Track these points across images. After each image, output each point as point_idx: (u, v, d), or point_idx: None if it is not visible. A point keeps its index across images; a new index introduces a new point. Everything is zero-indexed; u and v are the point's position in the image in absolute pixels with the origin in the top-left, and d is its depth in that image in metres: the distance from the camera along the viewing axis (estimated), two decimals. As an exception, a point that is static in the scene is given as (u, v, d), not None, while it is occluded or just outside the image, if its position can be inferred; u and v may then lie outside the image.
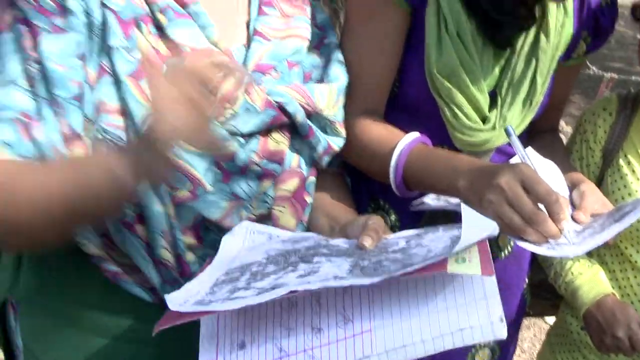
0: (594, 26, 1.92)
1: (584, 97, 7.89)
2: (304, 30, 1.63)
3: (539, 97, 1.83)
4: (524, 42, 1.78)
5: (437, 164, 1.62)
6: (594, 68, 4.90)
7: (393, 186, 1.69)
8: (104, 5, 1.33)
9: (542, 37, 1.78)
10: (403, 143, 1.67)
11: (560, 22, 1.81)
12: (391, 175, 1.67)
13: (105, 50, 1.32)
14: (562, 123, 7.52)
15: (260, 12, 1.56)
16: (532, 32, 1.79)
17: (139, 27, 1.36)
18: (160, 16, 1.38)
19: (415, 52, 1.74)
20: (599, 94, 4.61)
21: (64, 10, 1.30)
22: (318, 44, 1.67)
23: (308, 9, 1.67)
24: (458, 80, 1.70)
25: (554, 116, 2.12)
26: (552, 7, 1.78)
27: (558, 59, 1.86)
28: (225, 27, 1.49)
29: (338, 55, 1.69)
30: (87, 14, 1.32)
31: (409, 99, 1.81)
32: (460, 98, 1.71)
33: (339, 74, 1.65)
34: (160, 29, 1.38)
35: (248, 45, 1.53)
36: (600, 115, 2.11)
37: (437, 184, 1.61)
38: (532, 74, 1.79)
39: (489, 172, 1.45)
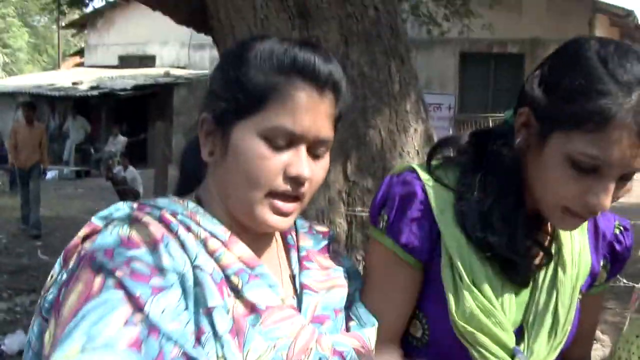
0: (611, 254, 2.03)
1: (620, 302, 8.09)
2: (343, 279, 1.85)
3: (565, 327, 1.89)
4: (545, 277, 1.88)
5: None
6: (623, 280, 5.12)
7: None
8: (196, 267, 1.50)
9: (560, 271, 1.88)
10: None
11: (577, 255, 1.91)
12: None
13: (204, 312, 1.46)
14: (598, 333, 7.78)
15: (302, 266, 1.78)
16: (551, 267, 1.89)
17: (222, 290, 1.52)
18: (235, 279, 1.55)
19: (439, 301, 1.84)
20: (630, 303, 4.81)
21: (161, 270, 1.44)
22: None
23: (340, 259, 1.92)
24: (479, 324, 1.78)
25: (585, 346, 2.20)
26: (565, 241, 1.90)
27: (581, 289, 1.95)
28: (277, 282, 1.65)
29: (358, 298, 1.90)
30: (179, 273, 1.47)
31: (440, 346, 1.89)
32: (483, 339, 1.78)
33: (368, 316, 1.83)
34: (235, 290, 1.55)
35: (298, 297, 1.73)
36: (634, 342, 2.13)
37: None
38: (554, 306, 1.86)
39: None
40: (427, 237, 1.83)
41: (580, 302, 1.96)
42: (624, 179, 1.67)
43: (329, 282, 1.79)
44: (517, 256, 1.79)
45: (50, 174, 20.08)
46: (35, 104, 18.03)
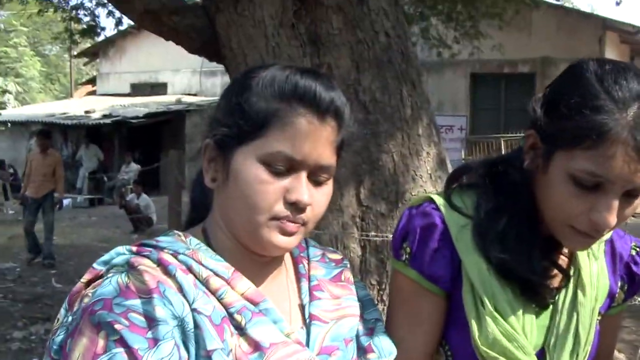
0: (629, 275, 2.04)
1: (636, 320, 8.13)
2: (354, 308, 1.81)
3: (586, 349, 1.89)
4: (565, 299, 1.88)
5: None
6: (639, 299, 5.15)
7: None
8: (194, 310, 1.49)
9: (579, 292, 1.88)
10: None
11: (595, 276, 1.92)
12: None
13: (204, 354, 1.46)
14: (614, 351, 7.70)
15: (312, 297, 1.76)
16: (571, 289, 1.89)
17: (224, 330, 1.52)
18: (238, 317, 1.54)
19: (462, 328, 1.85)
20: None
21: (155, 321, 1.42)
22: (360, 317, 1.83)
23: (353, 287, 1.87)
24: (502, 349, 1.78)
25: None
26: (584, 263, 1.91)
27: (600, 310, 1.95)
28: (283, 312, 1.65)
29: (381, 328, 1.87)
30: (177, 318, 1.46)
31: None
32: None
33: (390, 347, 1.82)
34: (239, 328, 1.54)
35: (306, 328, 1.71)
36: None
37: None
38: (575, 328, 1.87)
39: None
40: (449, 266, 1.85)
41: (599, 323, 1.97)
42: (630, 196, 1.67)
43: (339, 311, 1.77)
44: (535, 276, 1.80)
45: (64, 202, 20.20)
46: (50, 132, 18.07)
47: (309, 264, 1.84)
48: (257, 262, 1.68)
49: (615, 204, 1.65)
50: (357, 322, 1.79)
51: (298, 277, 1.81)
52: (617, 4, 16.09)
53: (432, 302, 1.89)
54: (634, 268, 2.02)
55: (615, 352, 7.29)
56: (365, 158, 5.14)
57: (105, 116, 29.21)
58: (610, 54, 22.45)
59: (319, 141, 1.59)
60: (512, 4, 15.15)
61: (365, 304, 1.88)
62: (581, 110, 1.62)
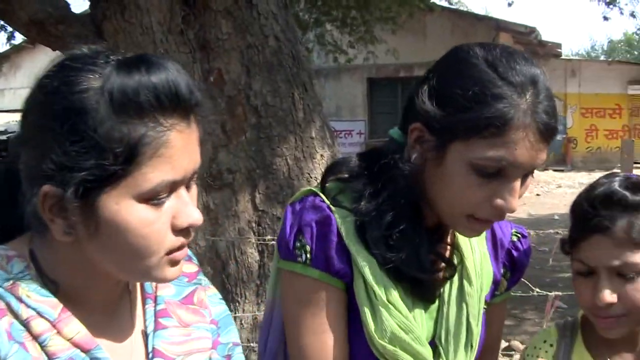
0: (510, 262, 2.04)
1: (538, 312, 8.26)
2: (206, 341, 1.57)
3: (477, 338, 1.89)
4: (450, 291, 1.86)
5: None
6: (537, 289, 5.23)
7: None
8: None
9: (466, 283, 1.87)
10: None
11: (479, 265, 1.91)
12: None
13: None
14: (517, 343, 7.85)
15: (157, 325, 1.49)
16: (456, 280, 1.87)
17: None
18: None
19: (355, 323, 1.79)
20: (545, 313, 4.91)
21: None
22: (215, 343, 1.60)
23: (206, 312, 1.61)
24: (399, 341, 1.74)
25: (492, 357, 2.19)
26: (467, 253, 1.89)
27: (485, 299, 1.94)
28: (123, 348, 1.44)
29: (239, 355, 1.67)
30: None
31: None
32: (405, 357, 1.75)
33: None
34: None
35: None
36: (541, 347, 2.19)
37: None
38: (466, 319, 1.86)
39: None
40: (348, 260, 1.77)
41: (485, 312, 1.97)
42: (526, 177, 1.68)
43: (188, 344, 1.52)
44: (423, 273, 1.77)
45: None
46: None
47: None
48: (101, 289, 1.43)
49: (518, 187, 1.66)
50: (208, 358, 1.56)
51: (144, 297, 1.54)
52: (509, 4, 16.42)
53: (339, 300, 1.80)
54: (516, 254, 2.03)
55: (518, 344, 7.45)
56: (259, 162, 5.13)
57: (0, 132, 28.58)
58: (503, 56, 22.93)
59: (192, 147, 1.35)
60: (406, 8, 15.29)
61: (222, 323, 1.66)
62: (481, 100, 1.60)
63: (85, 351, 1.32)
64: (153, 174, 1.27)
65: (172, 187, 1.31)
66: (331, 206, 1.77)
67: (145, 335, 1.48)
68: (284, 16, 5.35)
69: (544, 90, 1.64)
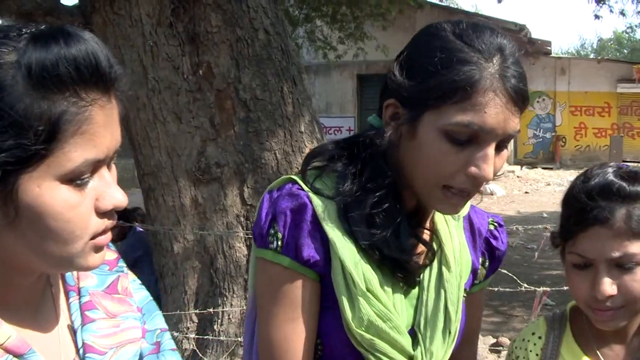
0: (489, 250, 2.04)
1: (526, 309, 8.28)
2: (136, 330, 1.49)
3: (456, 326, 1.88)
4: (430, 277, 1.86)
5: None
6: (525, 285, 5.25)
7: None
8: None
9: (445, 269, 1.86)
10: None
11: (458, 252, 1.91)
12: None
13: None
14: (505, 339, 7.86)
15: (84, 318, 1.42)
16: (435, 266, 1.87)
17: None
18: None
19: (332, 312, 1.77)
20: (533, 308, 4.90)
21: None
22: (142, 331, 1.53)
23: (132, 301, 1.53)
24: (377, 329, 1.73)
25: (472, 346, 2.20)
26: (445, 239, 1.89)
27: (465, 287, 1.94)
28: (52, 345, 1.35)
29: (168, 341, 1.60)
30: None
31: (335, 359, 1.83)
32: (382, 345, 1.74)
33: None
34: None
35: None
36: (530, 340, 2.19)
37: None
38: (444, 305, 1.85)
39: None
40: (322, 248, 1.76)
41: (464, 300, 1.95)
42: (500, 148, 1.68)
43: (118, 336, 1.45)
44: (405, 255, 1.76)
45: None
46: None
47: (77, 271, 1.47)
48: (21, 286, 1.33)
49: (492, 154, 1.64)
50: (139, 348, 1.50)
51: (66, 290, 1.46)
52: (499, 1, 16.41)
53: (309, 289, 1.77)
54: (494, 243, 2.03)
55: (506, 340, 7.46)
56: (247, 157, 5.13)
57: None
58: (493, 53, 22.99)
59: (114, 124, 1.26)
60: (396, 4, 15.29)
61: (146, 309, 1.59)
62: (448, 65, 1.61)
63: (17, 356, 1.25)
64: (76, 153, 1.18)
65: (95, 166, 1.23)
66: (310, 193, 1.76)
67: (72, 330, 1.41)
68: (273, 10, 5.35)
69: (511, 57, 1.65)
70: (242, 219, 5.18)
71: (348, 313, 1.73)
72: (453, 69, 1.60)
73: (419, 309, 1.85)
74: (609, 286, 1.88)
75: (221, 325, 5.22)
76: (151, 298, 1.62)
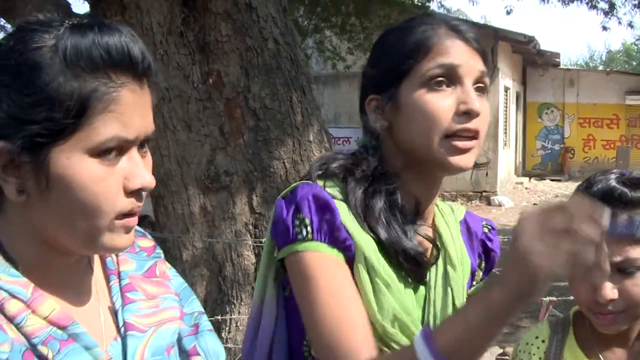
0: (484, 251, 2.11)
1: (533, 320, 8.31)
2: (174, 310, 1.57)
3: None
4: (436, 276, 1.90)
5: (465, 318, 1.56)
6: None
7: None
8: None
9: (450, 268, 1.92)
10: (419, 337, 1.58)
11: (459, 254, 1.97)
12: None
13: None
14: (510, 349, 7.86)
15: (125, 299, 1.49)
16: (441, 266, 1.92)
17: None
18: (43, 349, 1.28)
19: None
20: (540, 318, 4.93)
21: None
22: (180, 314, 1.60)
23: (169, 284, 1.61)
24: (400, 323, 1.76)
25: None
26: (448, 240, 1.95)
27: (468, 290, 2.01)
28: (95, 325, 1.42)
29: (206, 323, 1.66)
30: None
31: None
32: (404, 339, 1.75)
33: (216, 347, 1.64)
34: None
35: (122, 340, 1.45)
36: (534, 343, 2.21)
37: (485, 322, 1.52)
38: (452, 303, 1.90)
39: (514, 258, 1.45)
40: (348, 237, 1.76)
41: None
42: (481, 90, 1.80)
43: (157, 316, 1.52)
44: (414, 249, 1.81)
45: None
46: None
47: (117, 256, 1.56)
48: (63, 268, 1.41)
49: (470, 88, 1.76)
50: (178, 327, 1.56)
51: (107, 274, 1.54)
52: (508, 13, 16.44)
53: (347, 270, 1.76)
54: (489, 244, 2.10)
55: (511, 350, 7.47)
56: (256, 165, 5.16)
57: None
58: (503, 63, 22.94)
59: (144, 109, 1.36)
60: (405, 15, 15.30)
61: (183, 295, 1.66)
62: (405, 37, 1.80)
63: (62, 328, 1.32)
64: (104, 128, 1.27)
65: (123, 146, 1.31)
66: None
67: (113, 311, 1.48)
68: (283, 20, 5.39)
69: (459, 23, 1.85)
70: (250, 227, 5.21)
71: (374, 306, 1.74)
72: (410, 36, 1.81)
73: (427, 308, 1.89)
74: (610, 290, 1.91)
75: (229, 332, 5.24)
76: (187, 285, 1.69)
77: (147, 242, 1.66)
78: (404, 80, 1.78)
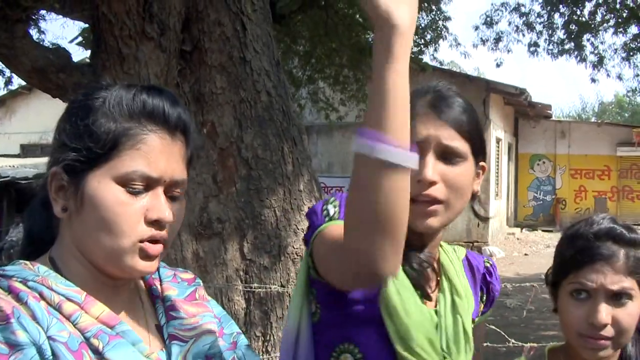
0: (486, 285, 2.26)
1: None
2: (213, 325, 1.80)
3: (471, 351, 2.07)
4: (445, 305, 2.04)
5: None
6: (512, 340, 5.43)
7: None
8: (50, 338, 1.44)
9: (457, 298, 2.06)
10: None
11: (464, 286, 2.11)
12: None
13: None
14: None
15: (168, 317, 1.74)
16: (448, 296, 2.06)
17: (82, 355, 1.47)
18: (95, 341, 1.50)
19: (376, 327, 1.91)
20: None
21: (18, 346, 1.39)
22: (220, 332, 1.83)
23: (208, 305, 1.87)
24: (422, 346, 1.90)
25: None
26: (453, 274, 2.10)
27: (474, 319, 2.16)
28: (141, 335, 1.63)
29: (244, 341, 1.89)
30: (36, 345, 1.42)
31: None
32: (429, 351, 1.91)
33: (254, 358, 1.88)
34: (97, 353, 1.49)
35: (166, 349, 1.68)
36: None
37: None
38: (463, 329, 2.03)
39: None
40: None
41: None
42: (447, 160, 1.91)
43: (197, 329, 1.75)
44: (420, 266, 1.97)
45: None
46: None
47: (161, 285, 1.81)
48: (110, 287, 1.64)
49: (431, 161, 1.89)
50: (216, 338, 1.78)
51: (152, 299, 1.79)
52: (498, 65, 16.66)
53: None
54: (489, 278, 2.26)
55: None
56: (248, 213, 5.30)
57: (-7, 177, 28.57)
58: (495, 115, 23.09)
59: (172, 157, 1.61)
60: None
61: (224, 319, 1.89)
62: None
63: (110, 327, 1.55)
64: (130, 162, 1.55)
65: (148, 182, 1.57)
66: None
67: (159, 328, 1.72)
68: (276, 73, 5.56)
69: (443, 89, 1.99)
70: (241, 272, 5.31)
71: (400, 331, 1.89)
72: None
73: (440, 334, 2.00)
74: (606, 314, 2.08)
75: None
76: (226, 312, 1.94)
77: (188, 275, 1.92)
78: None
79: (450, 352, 1.99)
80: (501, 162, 25.07)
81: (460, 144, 1.94)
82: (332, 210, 1.90)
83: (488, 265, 2.28)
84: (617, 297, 2.09)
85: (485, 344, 5.50)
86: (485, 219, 21.58)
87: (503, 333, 5.24)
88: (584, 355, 2.16)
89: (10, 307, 1.43)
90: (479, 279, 2.24)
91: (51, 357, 1.43)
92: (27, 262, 1.61)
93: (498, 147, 24.30)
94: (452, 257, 2.17)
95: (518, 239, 25.01)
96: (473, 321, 2.15)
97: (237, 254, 5.32)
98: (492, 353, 8.23)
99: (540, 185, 29.00)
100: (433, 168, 1.89)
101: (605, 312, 2.08)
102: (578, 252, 2.19)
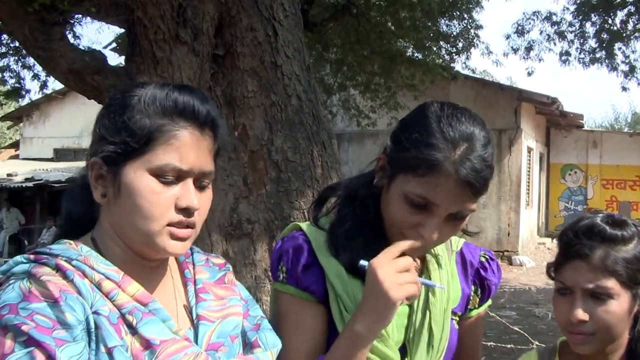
0: (480, 279, 2.35)
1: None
2: (238, 308, 1.96)
3: (442, 344, 2.18)
4: (418, 301, 2.17)
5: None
6: (536, 342, 5.51)
7: None
8: (94, 312, 1.60)
9: (430, 294, 2.18)
10: None
11: (445, 281, 2.23)
12: None
13: (105, 351, 1.58)
14: None
15: (198, 299, 1.90)
16: (423, 292, 2.17)
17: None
18: (130, 317, 1.65)
19: (336, 334, 2.05)
20: None
21: (64, 324, 1.53)
22: (245, 314, 1.98)
23: (236, 289, 2.03)
24: (372, 347, 2.01)
25: None
26: (433, 270, 2.23)
27: (456, 312, 2.28)
28: (171, 313, 1.77)
29: (267, 324, 2.00)
30: (82, 321, 1.57)
31: None
32: (374, 358, 2.04)
33: (274, 340, 1.97)
34: (131, 327, 1.65)
35: (194, 328, 1.84)
36: None
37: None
38: (429, 324, 2.15)
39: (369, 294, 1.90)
40: (321, 280, 2.08)
41: (459, 324, 2.28)
42: (455, 219, 1.98)
43: (224, 311, 1.91)
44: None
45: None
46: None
47: (194, 268, 1.97)
48: (145, 268, 1.80)
49: (438, 223, 1.95)
50: (241, 320, 1.94)
51: (184, 281, 1.94)
52: (529, 74, 16.60)
53: (312, 311, 2.09)
54: (483, 273, 2.34)
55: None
56: (277, 214, 5.40)
57: (27, 180, 28.74)
58: (527, 124, 23.02)
59: (201, 151, 1.76)
60: (429, 76, 15.39)
61: (250, 302, 2.03)
62: (418, 145, 1.94)
63: (144, 304, 1.70)
64: (163, 155, 1.70)
65: (179, 173, 1.72)
66: (308, 233, 2.13)
67: (188, 308, 1.88)
68: (306, 77, 5.65)
69: (478, 149, 1.94)
70: (269, 273, 5.38)
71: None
72: (421, 149, 1.93)
73: (409, 327, 2.15)
74: (581, 313, 2.13)
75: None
76: (251, 296, 2.09)
77: (220, 260, 2.09)
78: (400, 175, 1.98)
79: (412, 343, 2.13)
80: (532, 172, 24.92)
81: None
82: (282, 275, 2.12)
83: (484, 259, 2.36)
84: (596, 295, 2.13)
85: (509, 346, 5.60)
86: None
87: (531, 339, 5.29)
88: (571, 348, 2.23)
89: (57, 290, 1.57)
90: (470, 274, 2.33)
91: (94, 330, 1.58)
92: (72, 242, 1.77)
93: (529, 156, 24.17)
94: (438, 250, 2.26)
95: (549, 248, 24.87)
96: (457, 315, 2.27)
97: (266, 254, 5.42)
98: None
99: (572, 196, 28.81)
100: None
101: (580, 309, 2.13)
102: (560, 249, 2.27)
